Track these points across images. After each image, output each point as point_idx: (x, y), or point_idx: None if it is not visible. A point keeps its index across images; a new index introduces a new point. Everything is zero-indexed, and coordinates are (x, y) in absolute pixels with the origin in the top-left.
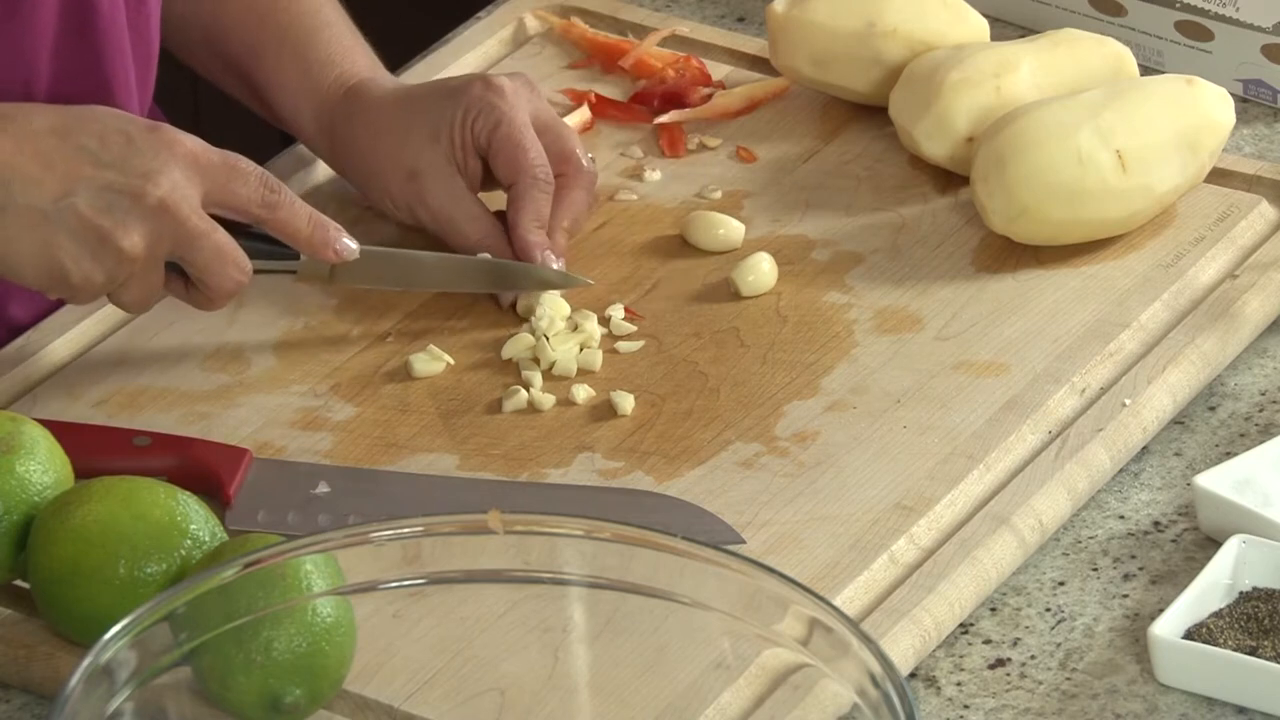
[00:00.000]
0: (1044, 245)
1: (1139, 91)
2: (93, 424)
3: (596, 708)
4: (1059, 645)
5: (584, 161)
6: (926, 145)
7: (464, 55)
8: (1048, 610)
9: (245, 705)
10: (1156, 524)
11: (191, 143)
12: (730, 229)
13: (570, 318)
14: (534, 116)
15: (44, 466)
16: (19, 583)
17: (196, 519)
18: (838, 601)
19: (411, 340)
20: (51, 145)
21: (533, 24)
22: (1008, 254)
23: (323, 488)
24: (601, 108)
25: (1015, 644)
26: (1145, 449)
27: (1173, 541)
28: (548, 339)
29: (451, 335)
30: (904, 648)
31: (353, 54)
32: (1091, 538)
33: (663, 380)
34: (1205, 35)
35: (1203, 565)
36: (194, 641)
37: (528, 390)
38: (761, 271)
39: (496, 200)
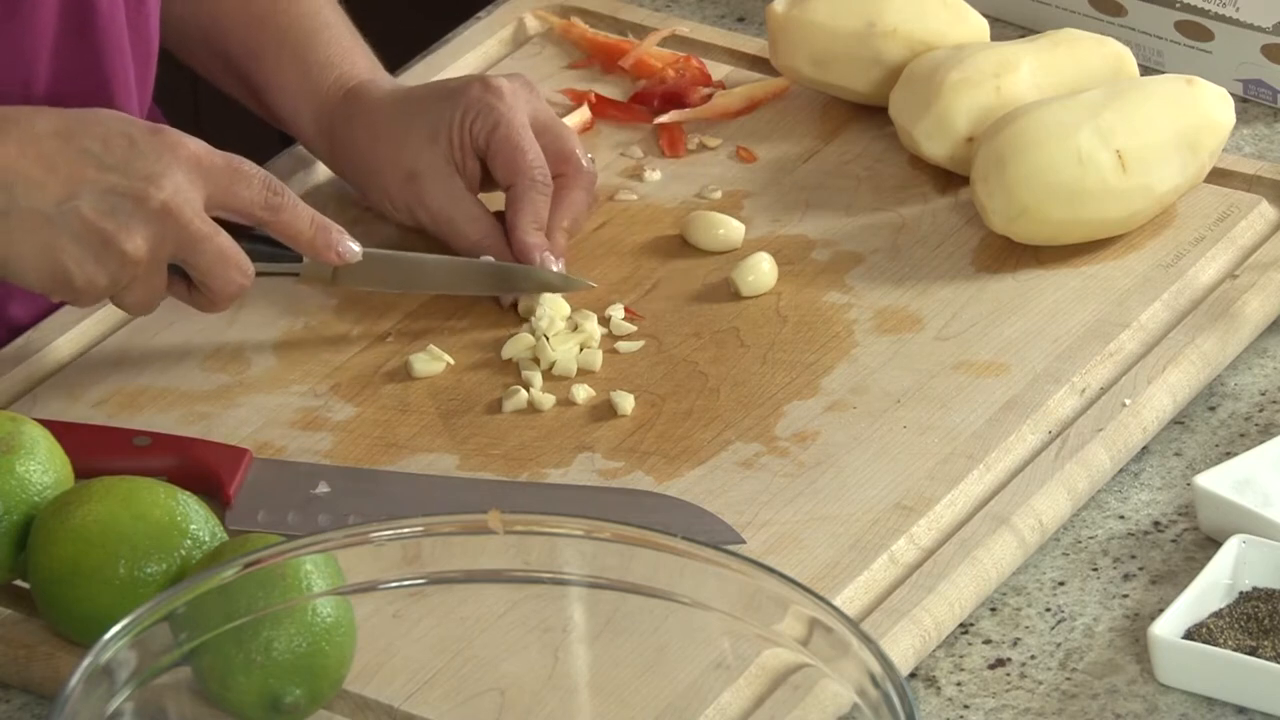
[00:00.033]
0: (1044, 245)
1: (1139, 91)
2: (93, 424)
3: (596, 708)
4: (1059, 645)
5: (583, 162)
6: (926, 145)
7: (464, 55)
8: (1048, 610)
9: (245, 705)
10: (1156, 524)
11: (194, 145)
12: (730, 229)
13: (570, 318)
14: (533, 117)
15: (44, 466)
16: (19, 583)
17: (196, 519)
18: (838, 601)
19: (411, 340)
20: (54, 148)
21: (533, 24)
22: (1008, 254)
23: (323, 488)
24: (601, 108)
25: (1015, 644)
26: (1145, 449)
27: (1173, 541)
28: (548, 339)
29: (451, 335)
30: (904, 648)
31: (352, 55)
32: (1091, 538)
33: (663, 380)
34: (1205, 35)
35: (1203, 565)
36: (194, 641)
37: (528, 390)
38: (761, 271)
39: (496, 201)
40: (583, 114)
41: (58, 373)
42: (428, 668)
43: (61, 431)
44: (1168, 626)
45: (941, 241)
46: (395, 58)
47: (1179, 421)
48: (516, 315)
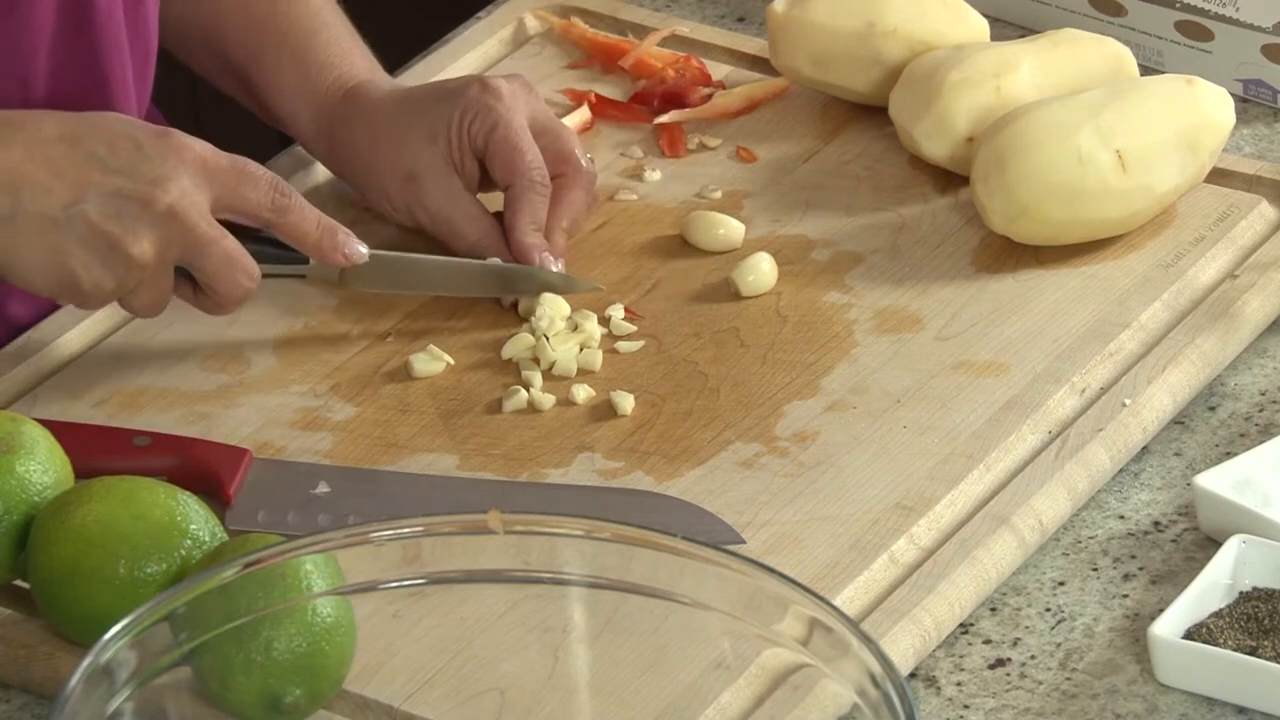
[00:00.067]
0: (1044, 245)
1: (1139, 91)
2: (93, 424)
3: (596, 708)
4: (1059, 645)
5: (582, 162)
6: (926, 145)
7: (464, 55)
8: (1048, 610)
9: (245, 705)
10: (1156, 524)
11: (200, 147)
12: (730, 229)
13: (570, 318)
14: (531, 118)
15: (44, 466)
16: (19, 583)
17: (196, 519)
18: (838, 601)
19: (411, 340)
20: (61, 152)
21: (533, 24)
22: (1008, 254)
23: (323, 488)
24: (601, 108)
25: (1015, 644)
26: (1145, 449)
27: (1173, 541)
28: (548, 339)
29: (451, 335)
30: (904, 648)
31: (351, 56)
32: (1091, 538)
33: (663, 380)
34: (1205, 35)
35: (1203, 565)
36: (194, 641)
37: (528, 390)
38: (761, 271)
39: (494, 201)
40: (583, 114)
41: (58, 373)
42: (428, 668)
43: (61, 431)
44: (1168, 626)
45: (941, 241)
46: (395, 58)
47: (1179, 421)
48: (516, 315)
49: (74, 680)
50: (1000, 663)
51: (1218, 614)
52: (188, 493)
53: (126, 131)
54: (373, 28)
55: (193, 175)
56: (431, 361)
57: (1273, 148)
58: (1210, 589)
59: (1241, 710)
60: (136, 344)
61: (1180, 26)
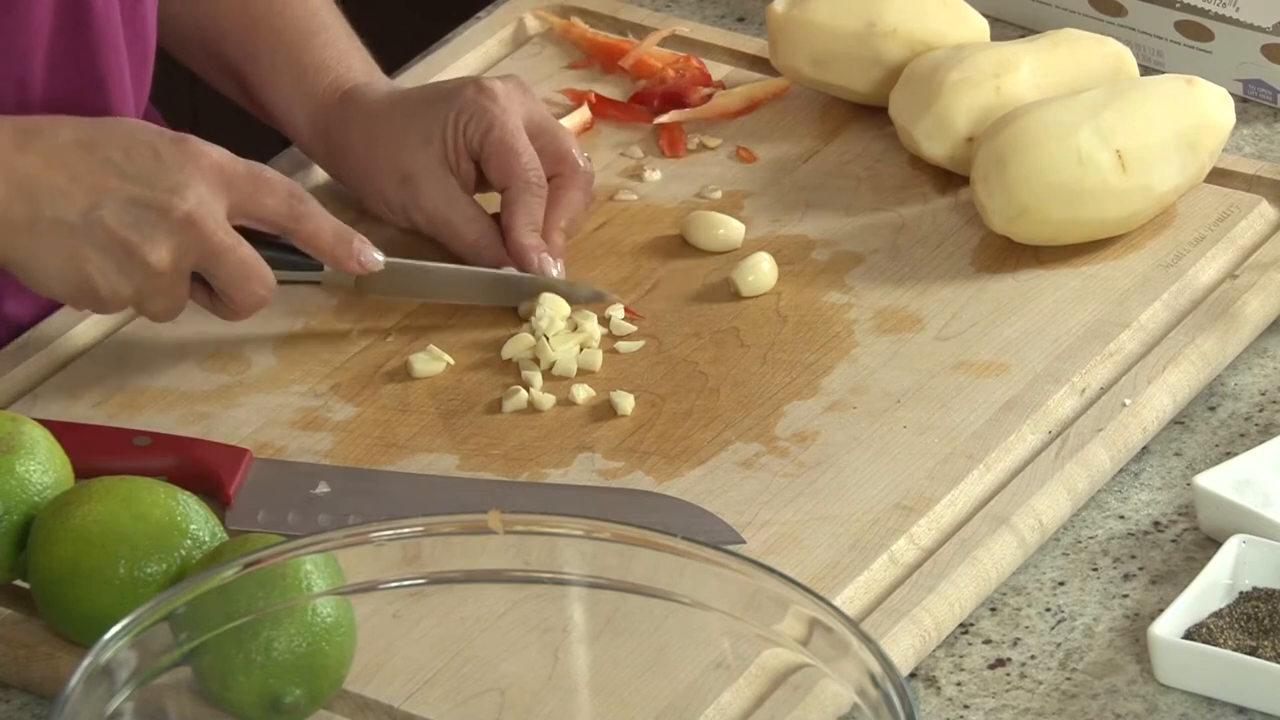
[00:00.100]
0: (1044, 245)
1: (1139, 91)
2: (93, 424)
3: (596, 708)
4: (1059, 645)
5: (580, 161)
6: (926, 145)
7: (464, 55)
8: (1048, 610)
9: (245, 705)
10: (1156, 524)
11: (217, 154)
12: (730, 229)
13: (570, 318)
14: (527, 119)
15: (44, 466)
16: (19, 583)
17: (196, 519)
18: (838, 601)
19: (411, 340)
20: (78, 159)
21: (533, 24)
22: (1008, 254)
23: (323, 488)
24: (601, 108)
25: (1015, 644)
26: (1145, 449)
27: (1173, 541)
28: (548, 339)
29: (451, 335)
30: (904, 648)
31: (348, 58)
32: (1091, 538)
33: (663, 380)
34: (1205, 35)
35: (1203, 565)
36: (194, 641)
37: (528, 390)
38: (761, 271)
39: (491, 202)
40: (583, 114)
41: (58, 373)
42: (428, 668)
43: (61, 431)
44: (1168, 626)
45: (941, 241)
46: (394, 58)
47: (1179, 421)
48: (517, 315)
49: (74, 680)
50: (1000, 663)
51: (1218, 614)
52: (188, 493)
53: (144, 138)
54: (372, 28)
55: (210, 182)
56: (431, 361)
57: (1273, 148)
58: (1210, 589)
59: (1241, 710)
60: (136, 344)
61: (1180, 26)
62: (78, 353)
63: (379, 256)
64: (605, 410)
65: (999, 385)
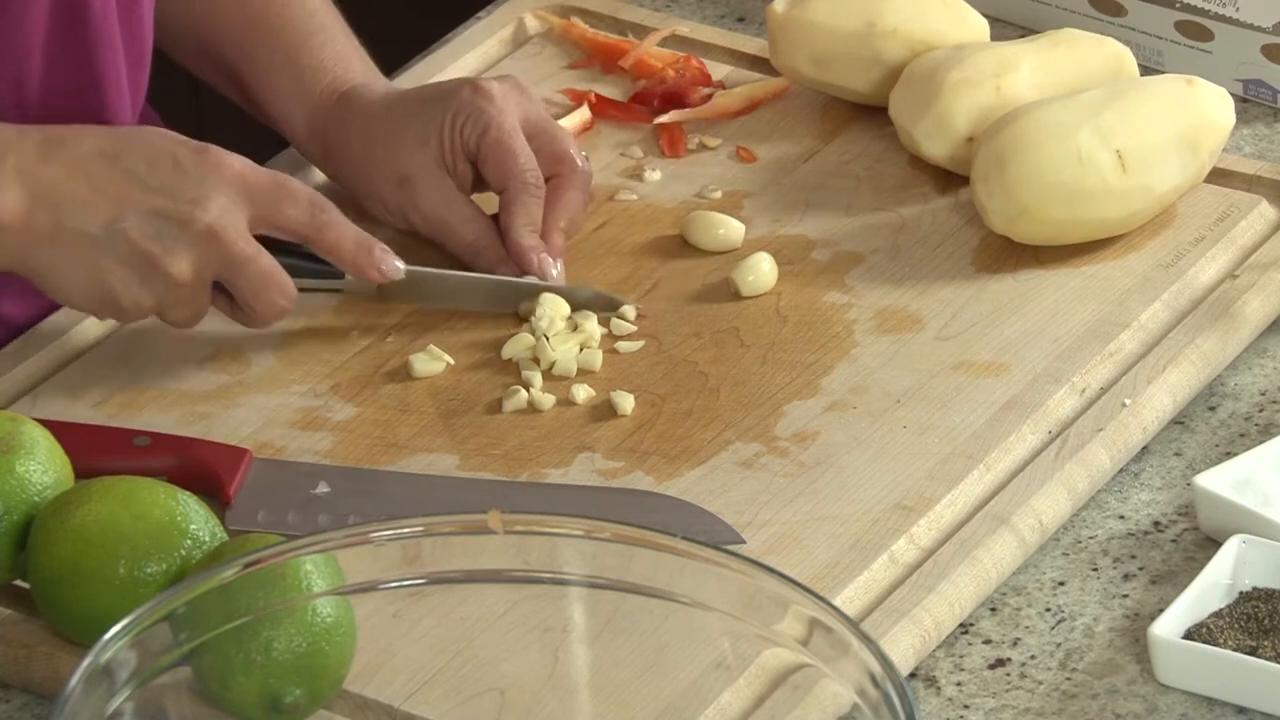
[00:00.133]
0: (1044, 245)
1: (1139, 91)
2: (93, 424)
3: (596, 708)
4: (1059, 645)
5: (578, 161)
6: (926, 145)
7: (464, 55)
8: (1048, 610)
9: (245, 705)
10: (1156, 524)
11: (240, 164)
12: (730, 229)
13: (570, 318)
14: (524, 119)
15: (44, 466)
16: (19, 583)
17: (196, 519)
18: (838, 601)
19: (411, 340)
20: (101, 169)
21: (533, 24)
22: (1008, 254)
23: (323, 488)
24: (601, 108)
25: (1015, 644)
26: (1145, 449)
27: (1173, 541)
28: (548, 339)
29: (451, 335)
30: (904, 648)
31: (346, 59)
32: (1091, 538)
33: (663, 380)
34: (1205, 35)
35: (1203, 565)
36: (194, 641)
37: (528, 390)
38: (761, 271)
39: (488, 203)
40: (583, 114)
41: (57, 373)
42: (428, 668)
43: (61, 431)
44: (1168, 626)
45: (941, 241)
46: (393, 58)
47: (1179, 421)
48: (517, 315)
49: (74, 680)
50: (1000, 663)
51: (1218, 614)
52: (188, 493)
53: (167, 148)
54: (371, 28)
55: (232, 193)
56: (431, 361)
57: (1273, 148)
58: (1210, 589)
59: (1241, 710)
60: (136, 344)
61: (1180, 26)
62: (78, 353)
63: (400, 265)
64: (605, 410)
65: (999, 385)
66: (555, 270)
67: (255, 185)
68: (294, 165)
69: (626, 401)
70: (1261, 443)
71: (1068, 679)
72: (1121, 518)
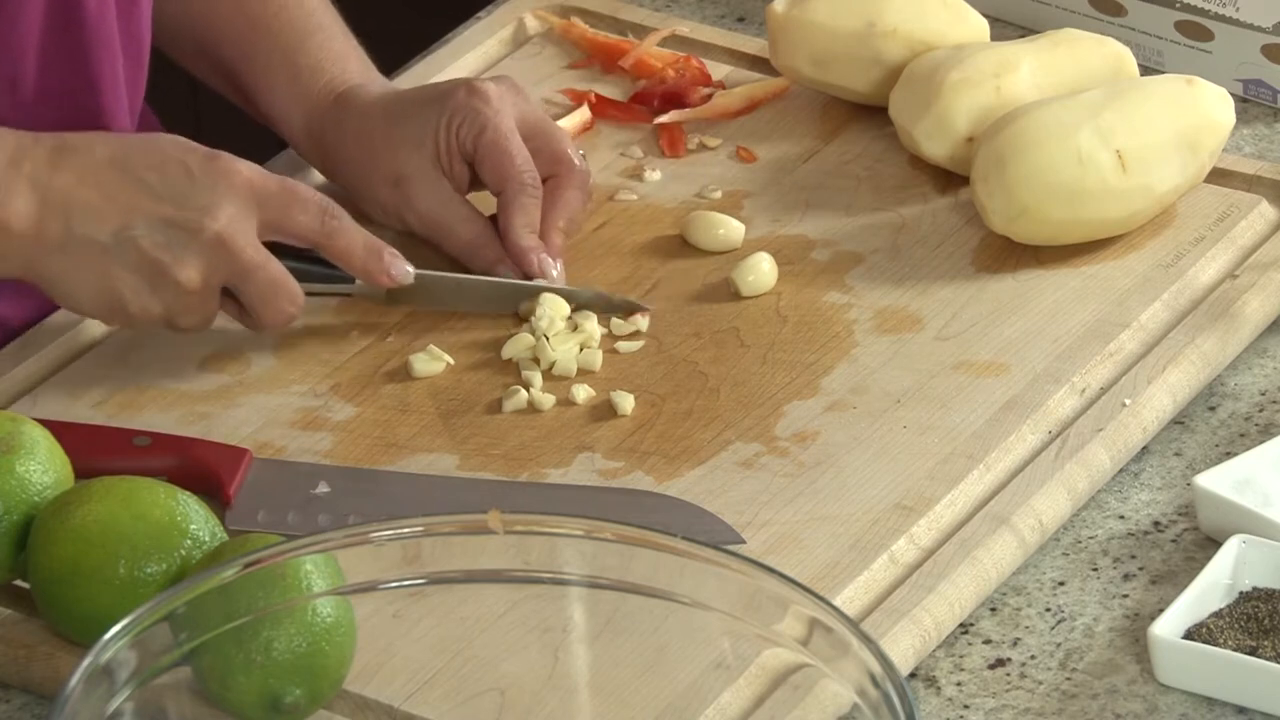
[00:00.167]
0: (1044, 245)
1: (1139, 91)
2: (93, 424)
3: (596, 708)
4: (1059, 645)
5: (576, 160)
6: (926, 145)
7: (464, 55)
8: (1048, 610)
9: (245, 705)
10: (1156, 524)
11: (249, 171)
12: (730, 229)
13: (570, 318)
14: (521, 120)
15: (44, 466)
16: (19, 583)
17: (196, 519)
18: (838, 601)
19: (411, 340)
20: (111, 178)
21: (533, 24)
22: (1008, 254)
23: (323, 488)
24: (601, 108)
25: (1015, 644)
26: (1145, 449)
27: (1173, 541)
28: (548, 339)
29: (451, 335)
30: (904, 648)
31: (344, 59)
32: (1091, 538)
33: (663, 380)
34: (1205, 35)
35: (1203, 565)
36: (194, 641)
37: (528, 390)
38: (761, 271)
39: (484, 202)
40: (583, 114)
41: (58, 373)
42: (428, 668)
43: (61, 431)
44: (1168, 626)
45: (941, 241)
46: (393, 58)
47: (1179, 421)
48: (516, 315)
49: (74, 680)
50: (1000, 663)
51: (1218, 614)
52: (188, 493)
53: (177, 156)
54: (370, 28)
55: (241, 200)
56: (431, 361)
57: (1273, 148)
58: (1210, 589)
59: (1241, 710)
60: (136, 344)
61: (1180, 26)
62: (78, 353)
63: (409, 269)
64: (605, 410)
65: (999, 385)
66: (555, 270)
67: (265, 192)
68: (293, 166)
69: (626, 401)
70: (1261, 443)
71: (1068, 679)
72: (1121, 518)
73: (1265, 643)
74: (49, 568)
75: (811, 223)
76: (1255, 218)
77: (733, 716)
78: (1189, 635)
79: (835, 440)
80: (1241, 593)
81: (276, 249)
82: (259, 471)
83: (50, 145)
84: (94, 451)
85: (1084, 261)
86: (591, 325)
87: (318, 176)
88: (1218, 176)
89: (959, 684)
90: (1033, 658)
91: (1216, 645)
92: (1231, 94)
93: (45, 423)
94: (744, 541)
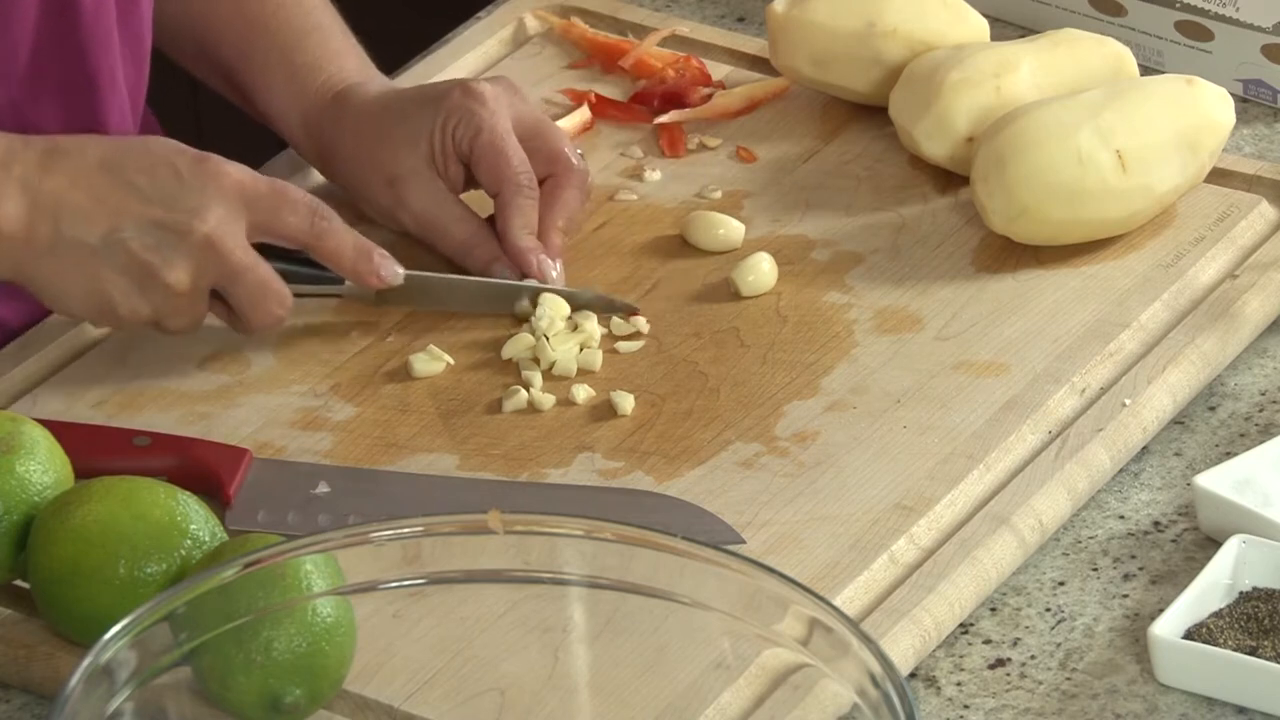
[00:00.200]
0: (1044, 245)
1: (1139, 91)
2: (93, 424)
3: (596, 708)
4: (1059, 645)
5: (573, 160)
6: (926, 145)
7: (464, 55)
8: (1048, 610)
9: (245, 705)
10: (1156, 524)
11: (239, 173)
12: (730, 229)
13: (570, 318)
14: (517, 120)
15: (44, 466)
16: (19, 583)
17: (196, 519)
18: (838, 601)
19: (411, 340)
20: (101, 180)
21: (533, 24)
22: (1008, 254)
23: (323, 488)
24: (601, 108)
25: (1015, 644)
26: (1145, 449)
27: (1173, 541)
28: (548, 339)
29: (451, 335)
30: (904, 648)
31: (342, 58)
32: (1091, 538)
33: (663, 380)
34: (1205, 35)
35: (1203, 565)
36: (194, 641)
37: (528, 390)
38: (761, 271)
39: (478, 201)
40: (583, 114)
41: (58, 373)
42: (428, 668)
43: (61, 431)
44: (1168, 626)
45: (941, 241)
46: (393, 58)
47: (1179, 421)
48: (514, 315)
49: (74, 680)
50: (1000, 663)
51: (1218, 614)
52: (188, 493)
53: (167, 158)
54: (370, 27)
55: (230, 202)
56: (431, 361)
57: (1273, 148)
58: (1210, 589)
59: (1241, 710)
60: (136, 344)
61: (1180, 26)
62: (78, 353)
63: (399, 270)
64: (605, 410)
65: (999, 385)
66: (555, 271)
67: (254, 194)
68: (292, 166)
69: (626, 401)
70: (1261, 443)
71: (1068, 679)
72: (1121, 518)
73: (1265, 643)
74: (49, 568)
75: (811, 223)
76: (1255, 218)
77: (733, 716)
78: (1189, 635)
79: (835, 440)
80: (1241, 593)
81: (265, 250)
82: (259, 471)
83: (41, 148)
84: (94, 451)
85: (1084, 261)
86: (591, 325)
87: (317, 177)
88: (1218, 176)
89: (959, 684)
90: (1033, 658)
91: (1216, 645)
92: (1231, 94)
93: (45, 423)
94: (744, 541)
